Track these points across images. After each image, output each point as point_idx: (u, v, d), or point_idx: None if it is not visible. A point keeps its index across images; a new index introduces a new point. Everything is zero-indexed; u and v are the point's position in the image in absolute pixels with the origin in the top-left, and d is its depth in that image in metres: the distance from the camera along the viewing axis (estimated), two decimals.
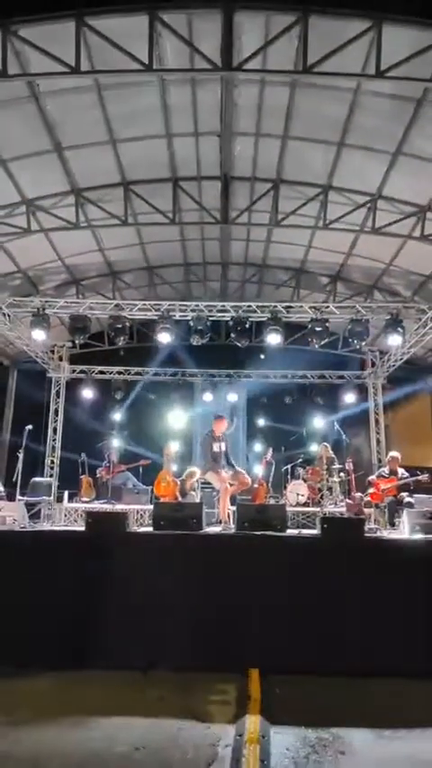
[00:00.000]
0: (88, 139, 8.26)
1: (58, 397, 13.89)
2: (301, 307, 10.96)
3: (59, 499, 11.47)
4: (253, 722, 3.70)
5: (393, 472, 8.78)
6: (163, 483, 9.97)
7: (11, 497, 8.99)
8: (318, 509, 10.13)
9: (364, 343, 11.19)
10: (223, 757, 3.29)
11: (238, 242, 11.71)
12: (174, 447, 10.94)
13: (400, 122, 7.55)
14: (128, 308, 10.90)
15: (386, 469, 9.05)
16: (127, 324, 10.85)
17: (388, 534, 6.88)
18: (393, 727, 3.72)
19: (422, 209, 9.01)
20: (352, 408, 14.06)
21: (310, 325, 10.68)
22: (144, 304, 10.99)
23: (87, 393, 13.81)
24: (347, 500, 9.92)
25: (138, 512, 10.27)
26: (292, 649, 4.68)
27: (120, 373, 14.27)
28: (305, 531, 6.64)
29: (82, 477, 11.63)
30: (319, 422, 14.29)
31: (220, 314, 11.03)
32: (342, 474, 10.66)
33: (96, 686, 4.32)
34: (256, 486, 10.66)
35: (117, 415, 14.40)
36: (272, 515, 5.75)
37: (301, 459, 12.66)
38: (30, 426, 9.43)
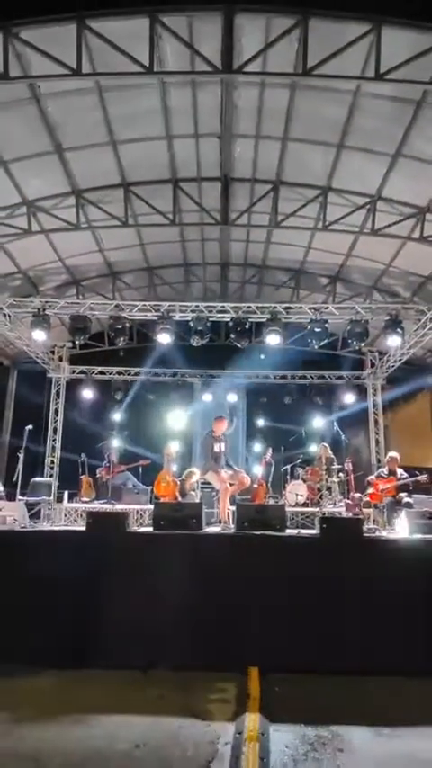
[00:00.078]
0: (89, 141, 8.30)
1: (58, 397, 13.93)
2: (301, 307, 11.01)
3: (59, 499, 11.50)
4: (252, 720, 3.73)
5: (392, 472, 8.81)
6: (163, 483, 10.01)
7: (11, 497, 9.02)
8: (317, 509, 10.16)
9: (363, 344, 11.23)
10: (223, 755, 3.32)
11: (237, 243, 11.73)
12: (174, 447, 10.98)
13: (400, 124, 7.59)
14: (128, 309, 10.93)
15: (385, 470, 9.08)
16: (127, 324, 10.89)
17: (387, 534, 6.90)
18: (392, 725, 3.75)
19: (421, 210, 9.05)
20: (351, 409, 14.10)
21: (309, 326, 10.73)
22: (144, 305, 11.02)
23: (87, 393, 13.85)
24: (346, 500, 9.96)
25: (138, 512, 10.31)
26: (291, 648, 4.71)
27: (120, 374, 14.31)
28: (304, 531, 6.66)
29: (82, 477, 11.67)
30: (318, 422, 14.35)
31: (219, 315, 11.07)
32: (341, 474, 10.69)
33: (97, 685, 4.35)
34: (255, 486, 10.72)
35: (117, 416, 14.44)
36: (271, 515, 5.77)
37: (300, 460, 12.71)
38: (30, 426, 9.46)
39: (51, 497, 11.24)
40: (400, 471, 8.78)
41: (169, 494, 9.78)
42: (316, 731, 3.63)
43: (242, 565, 5.14)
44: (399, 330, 10.43)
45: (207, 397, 14.63)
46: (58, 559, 5.13)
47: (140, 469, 11.98)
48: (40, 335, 10.63)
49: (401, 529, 6.38)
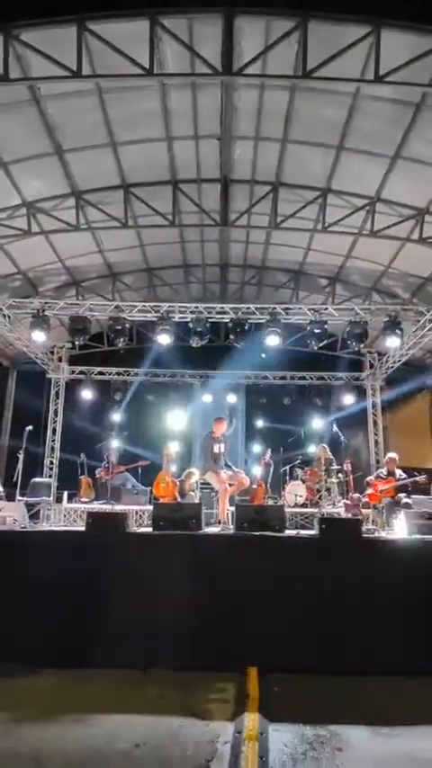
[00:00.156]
0: (89, 142, 8.31)
1: (58, 397, 13.95)
2: (300, 308, 11.04)
3: (59, 500, 11.51)
4: (252, 720, 3.74)
5: (391, 473, 8.83)
6: (162, 484, 10.02)
7: (11, 498, 9.03)
8: (316, 510, 10.20)
9: (362, 345, 11.26)
10: (222, 754, 3.33)
11: (237, 244, 11.76)
12: (173, 448, 11.00)
13: (399, 126, 7.61)
14: (127, 310, 10.96)
15: (384, 470, 9.10)
16: (127, 325, 10.91)
17: (385, 535, 6.92)
18: (391, 724, 3.76)
19: (420, 211, 9.08)
20: (350, 409, 14.12)
21: (308, 327, 10.75)
22: (144, 305, 11.05)
23: (87, 394, 13.89)
24: (345, 501, 9.97)
25: (137, 512, 10.32)
26: (290, 649, 4.72)
27: (119, 374, 14.33)
28: (303, 532, 6.68)
29: (81, 477, 11.67)
30: (317, 423, 14.37)
31: (219, 316, 11.09)
32: (340, 475, 10.71)
33: (97, 684, 4.36)
34: (254, 486, 10.73)
35: (116, 416, 14.46)
36: (270, 516, 5.78)
37: (299, 460, 12.74)
38: (30, 427, 9.48)
39: (51, 498, 11.25)
40: (398, 472, 8.81)
41: (168, 494, 9.79)
42: (315, 730, 3.65)
43: (241, 565, 5.15)
44: (398, 331, 10.47)
45: (206, 398, 14.65)
46: (58, 559, 5.14)
47: (140, 470, 11.98)
48: (39, 336, 10.65)
49: (400, 529, 6.40)
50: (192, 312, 11.02)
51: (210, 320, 11.03)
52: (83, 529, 5.68)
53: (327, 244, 10.86)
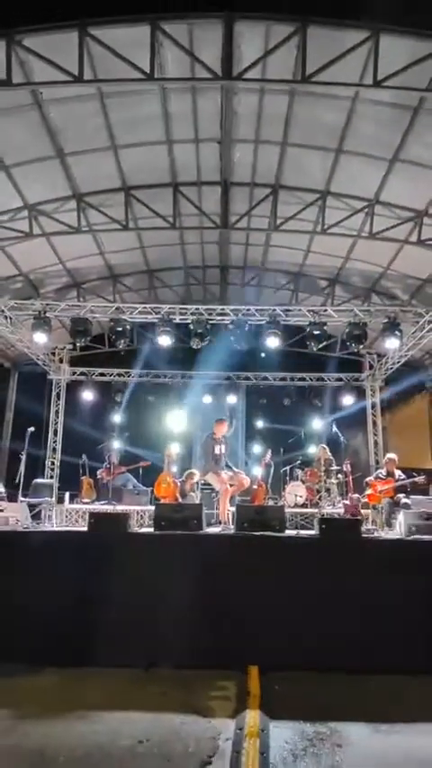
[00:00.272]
0: (90, 146, 8.37)
1: (59, 398, 14.01)
2: (300, 310, 11.10)
3: (60, 500, 11.55)
4: (253, 717, 3.80)
5: (390, 474, 8.88)
6: (163, 484, 10.07)
7: (12, 498, 9.07)
8: (316, 510, 10.23)
9: (361, 346, 11.32)
10: (224, 750, 3.39)
11: (237, 246, 11.82)
12: (174, 449, 11.05)
13: (398, 130, 7.67)
14: (128, 311, 11.02)
15: (383, 471, 9.15)
16: (127, 327, 10.97)
17: (385, 535, 6.97)
18: (391, 722, 3.80)
19: (419, 214, 9.13)
20: (350, 410, 14.18)
21: (308, 328, 10.81)
22: (144, 307, 11.11)
23: (88, 395, 13.93)
24: (345, 501, 10.02)
25: (138, 513, 10.36)
26: (291, 648, 4.76)
27: (120, 375, 14.38)
28: (303, 532, 6.73)
29: (83, 478, 11.71)
30: (317, 423, 14.43)
31: (219, 317, 11.15)
32: (340, 475, 10.76)
33: (99, 683, 4.41)
34: (255, 487, 10.77)
35: (117, 417, 14.50)
36: (270, 516, 5.82)
37: (299, 461, 12.77)
38: (32, 428, 9.53)
39: (53, 498, 11.29)
40: (398, 472, 8.86)
41: (169, 495, 9.84)
42: (315, 727, 3.70)
43: (242, 565, 5.20)
44: (397, 332, 10.53)
45: (207, 399, 14.70)
46: (60, 559, 5.20)
47: (141, 471, 12.03)
48: (40, 338, 10.71)
49: (399, 530, 6.44)
50: (192, 314, 11.08)
51: (210, 322, 11.08)
52: (85, 529, 5.73)
53: (326, 246, 10.91)
